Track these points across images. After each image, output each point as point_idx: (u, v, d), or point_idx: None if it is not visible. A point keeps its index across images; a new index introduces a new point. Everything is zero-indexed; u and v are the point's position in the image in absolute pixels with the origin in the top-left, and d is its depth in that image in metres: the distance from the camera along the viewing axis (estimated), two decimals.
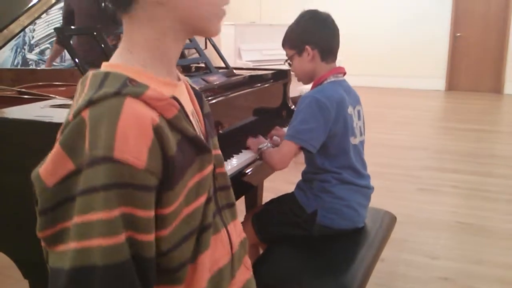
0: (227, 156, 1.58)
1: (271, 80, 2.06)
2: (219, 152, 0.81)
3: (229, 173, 1.50)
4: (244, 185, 1.55)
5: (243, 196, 2.35)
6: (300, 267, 1.36)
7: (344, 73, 1.55)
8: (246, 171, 1.50)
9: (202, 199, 0.68)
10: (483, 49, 8.15)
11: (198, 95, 0.80)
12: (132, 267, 0.57)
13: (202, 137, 0.72)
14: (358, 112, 1.52)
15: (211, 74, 1.93)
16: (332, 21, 1.51)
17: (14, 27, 1.95)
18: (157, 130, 0.59)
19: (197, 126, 0.74)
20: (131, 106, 0.59)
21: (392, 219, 1.73)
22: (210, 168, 0.70)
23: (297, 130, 1.40)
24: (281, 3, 8.69)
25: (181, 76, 0.78)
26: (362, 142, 1.53)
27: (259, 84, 1.95)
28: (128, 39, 0.67)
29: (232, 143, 1.65)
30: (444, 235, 2.77)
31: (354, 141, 1.48)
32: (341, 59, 6.06)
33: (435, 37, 8.24)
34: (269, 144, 1.52)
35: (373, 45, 8.52)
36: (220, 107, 1.75)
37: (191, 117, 0.71)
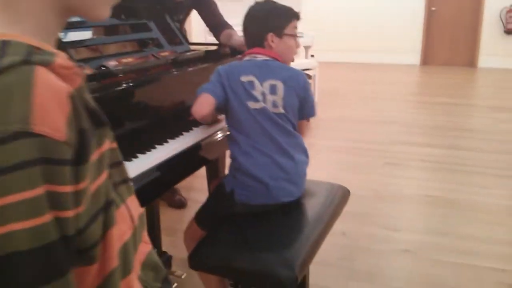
0: (176, 133, 1.58)
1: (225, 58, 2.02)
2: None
3: (180, 149, 1.52)
4: (199, 159, 1.60)
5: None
6: (242, 244, 1.37)
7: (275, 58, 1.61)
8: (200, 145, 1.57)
9: (104, 176, 0.66)
10: (458, 23, 8.18)
11: None
12: (60, 248, 0.54)
13: None
14: (272, 86, 1.55)
15: (163, 50, 1.88)
16: (251, 11, 1.62)
17: None
18: (72, 100, 0.57)
19: None
20: (43, 75, 0.55)
21: (345, 193, 1.73)
22: (108, 143, 0.67)
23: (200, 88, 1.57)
24: None
25: None
26: (280, 115, 1.55)
27: (208, 62, 1.91)
28: (14, 11, 0.63)
29: (181, 121, 1.63)
30: (409, 208, 2.80)
31: (254, 105, 1.53)
32: (315, 34, 6.08)
33: (410, 11, 8.23)
34: None
35: (347, 19, 8.49)
36: (166, 83, 1.71)
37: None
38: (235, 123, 1.56)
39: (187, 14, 2.55)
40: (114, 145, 0.75)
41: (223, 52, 2.19)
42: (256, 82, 1.54)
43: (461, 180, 3.18)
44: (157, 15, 2.18)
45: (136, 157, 1.36)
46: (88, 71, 1.46)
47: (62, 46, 1.47)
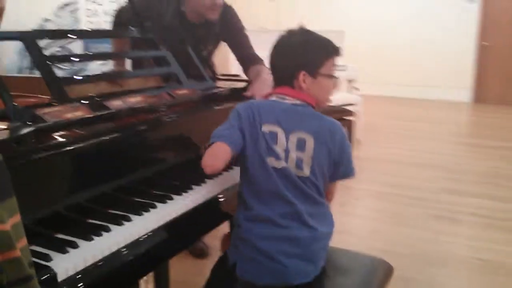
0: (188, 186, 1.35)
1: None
2: (9, 226, 0.59)
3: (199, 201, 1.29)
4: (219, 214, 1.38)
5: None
6: None
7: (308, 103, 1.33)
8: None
9: None
10: None
11: None
12: None
13: None
14: (299, 140, 1.27)
15: (182, 87, 1.66)
16: (281, 42, 1.35)
17: None
18: None
19: None
20: None
21: (387, 271, 1.42)
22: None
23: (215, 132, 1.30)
24: (299, 10, 8.40)
25: None
26: (304, 179, 1.26)
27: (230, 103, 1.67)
28: None
29: (194, 172, 1.38)
30: (458, 275, 2.43)
31: (274, 163, 1.26)
32: (363, 67, 5.82)
33: (460, 45, 7.80)
34: None
35: (392, 52, 8.13)
36: (181, 126, 1.49)
37: None
38: (248, 180, 1.29)
39: (215, 45, 2.33)
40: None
41: None
42: (280, 134, 1.27)
43: None
44: (180, 46, 1.99)
45: (141, 214, 1.15)
46: (82, 112, 1.24)
47: (57, 81, 1.27)
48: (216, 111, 1.60)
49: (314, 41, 1.31)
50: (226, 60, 4.12)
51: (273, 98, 1.34)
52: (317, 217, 1.27)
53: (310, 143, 1.26)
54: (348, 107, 4.59)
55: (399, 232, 2.86)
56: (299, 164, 1.25)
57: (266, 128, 1.27)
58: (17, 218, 0.63)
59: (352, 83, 5.61)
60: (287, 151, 1.26)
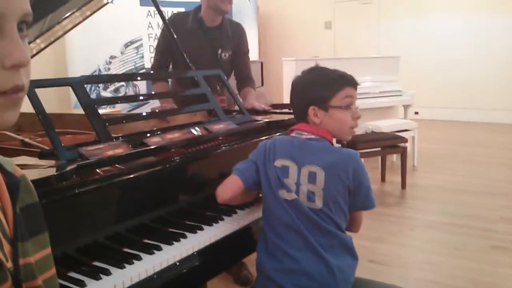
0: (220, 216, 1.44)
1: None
2: (33, 259, 0.64)
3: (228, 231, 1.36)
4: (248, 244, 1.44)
5: None
6: None
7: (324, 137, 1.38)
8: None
9: None
10: None
11: (14, 185, 0.63)
12: None
13: None
14: (310, 173, 1.30)
15: (218, 122, 1.76)
16: (294, 82, 1.43)
17: (67, 23, 1.87)
18: None
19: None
20: None
21: None
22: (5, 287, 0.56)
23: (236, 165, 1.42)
24: (357, 38, 8.38)
25: None
26: (316, 211, 1.28)
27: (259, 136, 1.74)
28: None
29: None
30: None
31: (286, 195, 1.31)
32: (420, 92, 5.69)
33: None
34: None
35: (446, 76, 7.87)
36: (217, 160, 1.57)
37: None
38: (265, 212, 1.36)
39: (230, 53, 2.59)
40: (37, 283, 0.62)
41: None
42: (292, 168, 1.32)
43: None
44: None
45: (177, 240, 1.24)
46: (122, 150, 1.36)
47: (101, 122, 1.40)
48: (248, 144, 1.68)
49: (322, 77, 1.37)
50: None
51: (293, 134, 1.41)
52: (334, 249, 1.28)
53: (320, 176, 1.29)
54: (403, 133, 4.53)
55: (453, 263, 2.75)
56: (310, 197, 1.29)
57: (278, 162, 1.34)
58: (46, 252, 0.69)
59: (409, 108, 5.51)
60: (298, 184, 1.30)
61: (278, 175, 1.33)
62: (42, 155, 1.26)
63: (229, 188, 1.36)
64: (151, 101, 3.47)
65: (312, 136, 1.36)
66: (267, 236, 1.33)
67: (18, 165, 0.69)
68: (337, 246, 1.30)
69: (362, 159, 1.38)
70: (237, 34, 2.57)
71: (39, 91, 1.28)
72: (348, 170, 1.30)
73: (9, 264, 0.58)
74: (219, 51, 2.51)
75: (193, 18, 2.47)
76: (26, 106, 0.75)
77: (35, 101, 1.27)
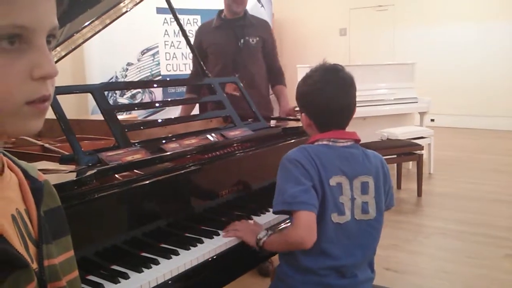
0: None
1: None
2: (57, 261, 0.66)
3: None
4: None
5: None
6: None
7: (355, 140, 1.31)
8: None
9: None
10: None
11: (38, 189, 0.65)
12: None
13: (22, 247, 0.58)
14: (363, 184, 1.25)
15: (235, 128, 1.77)
16: (335, 83, 1.28)
17: (87, 31, 1.88)
18: None
19: (25, 229, 0.61)
20: None
21: None
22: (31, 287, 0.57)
23: (291, 194, 1.19)
24: (372, 45, 8.35)
25: (13, 165, 0.64)
26: (371, 221, 1.25)
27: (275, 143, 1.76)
28: None
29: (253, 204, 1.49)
30: None
31: (337, 219, 1.23)
32: (436, 99, 5.64)
33: None
34: (269, 232, 1.30)
35: (463, 83, 7.78)
36: (233, 166, 1.58)
37: (18, 219, 0.60)
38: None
39: (258, 39, 2.73)
40: (61, 283, 0.65)
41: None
42: (345, 184, 1.23)
43: None
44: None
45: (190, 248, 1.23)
46: (141, 155, 1.39)
47: (120, 128, 1.43)
48: (264, 151, 1.69)
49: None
50: None
51: (324, 142, 1.29)
52: (363, 263, 1.27)
53: (371, 184, 1.25)
54: (419, 141, 4.50)
55: (469, 272, 2.71)
56: (365, 208, 1.24)
57: (333, 181, 1.23)
58: (69, 254, 0.71)
59: (425, 115, 5.47)
60: (352, 200, 1.24)
61: (334, 196, 1.22)
62: (63, 160, 1.29)
63: (314, 229, 1.19)
64: (166, 108, 3.51)
65: (348, 143, 1.29)
66: (298, 258, 1.26)
67: (39, 170, 0.71)
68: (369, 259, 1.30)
69: None
70: (261, 24, 2.82)
71: (59, 98, 1.31)
72: (385, 173, 1.31)
73: (34, 265, 0.60)
74: (245, 37, 2.69)
75: (217, 17, 2.76)
76: None
77: (57, 107, 1.30)
